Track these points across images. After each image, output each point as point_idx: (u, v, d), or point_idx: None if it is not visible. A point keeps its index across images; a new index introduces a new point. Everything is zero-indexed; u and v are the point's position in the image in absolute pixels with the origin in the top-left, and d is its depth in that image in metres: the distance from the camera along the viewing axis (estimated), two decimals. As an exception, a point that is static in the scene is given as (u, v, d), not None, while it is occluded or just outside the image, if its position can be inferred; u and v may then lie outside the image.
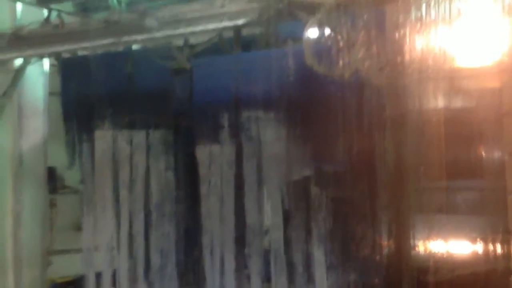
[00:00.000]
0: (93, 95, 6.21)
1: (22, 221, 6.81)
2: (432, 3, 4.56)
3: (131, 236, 6.19)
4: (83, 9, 6.39)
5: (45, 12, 6.39)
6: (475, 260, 4.67)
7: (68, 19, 6.29)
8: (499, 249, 4.42)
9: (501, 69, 4.22)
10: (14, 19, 6.72)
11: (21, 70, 6.79)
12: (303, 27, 5.02)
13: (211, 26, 5.52)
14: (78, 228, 6.86)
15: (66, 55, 6.56)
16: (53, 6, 6.29)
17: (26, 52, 6.57)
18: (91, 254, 6.32)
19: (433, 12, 4.57)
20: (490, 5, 4.36)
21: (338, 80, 4.95)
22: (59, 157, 6.75)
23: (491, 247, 4.46)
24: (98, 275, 6.30)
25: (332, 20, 4.96)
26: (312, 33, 5.08)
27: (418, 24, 4.64)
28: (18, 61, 6.81)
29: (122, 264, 6.22)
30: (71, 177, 6.97)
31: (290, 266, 5.35)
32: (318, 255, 5.23)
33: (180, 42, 5.93)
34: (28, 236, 6.85)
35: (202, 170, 5.67)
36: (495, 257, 4.47)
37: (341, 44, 4.91)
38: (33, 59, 6.73)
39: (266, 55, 5.39)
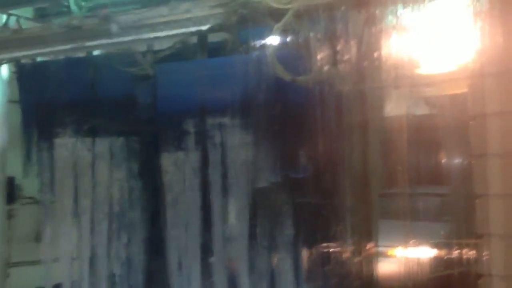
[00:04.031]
0: (54, 102, 6.09)
1: (-21, 233, 6.62)
2: (398, 11, 4.58)
3: (92, 246, 6.06)
4: (43, 15, 6.25)
5: (4, 17, 6.24)
6: (441, 265, 4.69)
7: (27, 24, 6.15)
8: (467, 253, 4.44)
9: (467, 75, 4.24)
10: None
11: (-22, 77, 6.62)
12: (268, 33, 4.99)
13: (175, 31, 5.45)
14: (37, 239, 6.69)
15: (25, 61, 6.41)
16: (11, 11, 6.14)
17: (-16, 58, 6.40)
18: (51, 265, 6.17)
19: (398, 19, 4.58)
20: (455, 12, 4.39)
21: (303, 86, 4.93)
22: (17, 167, 6.58)
23: (458, 251, 4.48)
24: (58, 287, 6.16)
25: (297, 26, 4.94)
26: (277, 39, 5.07)
27: (384, 31, 4.64)
28: (-25, 68, 6.63)
29: (83, 275, 6.08)
30: (30, 187, 6.79)
31: (256, 273, 5.30)
32: (284, 262, 5.20)
33: (143, 47, 5.84)
34: (-15, 248, 6.66)
35: (167, 178, 5.59)
36: (462, 261, 4.49)
37: (306, 50, 4.90)
38: (-9, 66, 6.56)
39: (231, 61, 5.36)
